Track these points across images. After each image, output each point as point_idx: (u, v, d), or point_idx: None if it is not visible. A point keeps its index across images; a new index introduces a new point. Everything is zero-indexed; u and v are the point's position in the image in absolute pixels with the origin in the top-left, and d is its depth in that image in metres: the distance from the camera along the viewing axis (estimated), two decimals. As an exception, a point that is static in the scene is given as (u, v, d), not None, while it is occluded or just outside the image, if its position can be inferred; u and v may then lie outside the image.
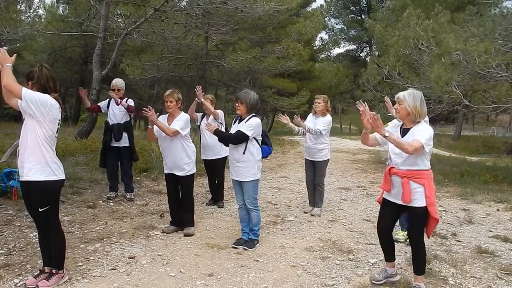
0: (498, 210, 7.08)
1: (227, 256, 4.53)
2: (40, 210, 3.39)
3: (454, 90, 9.24)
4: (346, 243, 5.13)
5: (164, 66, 17.52)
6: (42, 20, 16.25)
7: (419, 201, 3.56)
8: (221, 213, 6.30)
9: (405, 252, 4.85)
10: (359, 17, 44.00)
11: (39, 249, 4.37)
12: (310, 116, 6.48)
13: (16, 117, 25.98)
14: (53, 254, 3.63)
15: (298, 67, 19.22)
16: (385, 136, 3.44)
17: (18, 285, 3.60)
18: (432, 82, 9.93)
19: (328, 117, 6.31)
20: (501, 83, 9.07)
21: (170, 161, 5.16)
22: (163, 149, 5.23)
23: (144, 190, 7.41)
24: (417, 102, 3.53)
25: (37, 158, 3.36)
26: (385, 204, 3.85)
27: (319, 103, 6.24)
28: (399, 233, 5.27)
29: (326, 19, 38.64)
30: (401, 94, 3.63)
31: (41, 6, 16.98)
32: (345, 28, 45.11)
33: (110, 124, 6.51)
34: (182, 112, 5.25)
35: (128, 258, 4.34)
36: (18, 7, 14.75)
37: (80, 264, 4.09)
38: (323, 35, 43.97)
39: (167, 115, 5.25)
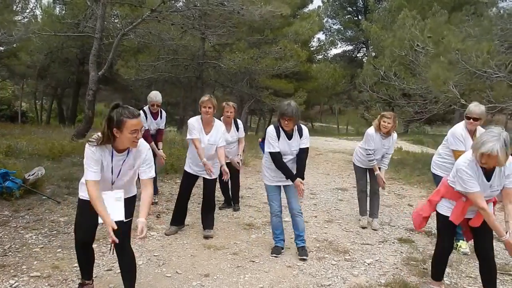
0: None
1: (223, 257, 4.53)
2: (125, 221, 3.17)
3: (451, 89, 9.26)
4: (342, 244, 5.14)
5: (161, 67, 17.50)
6: (39, 20, 16.21)
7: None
8: (217, 214, 6.27)
9: (401, 252, 4.86)
10: (356, 18, 44.01)
11: (35, 250, 4.40)
12: (374, 135, 5.63)
13: (12, 118, 25.92)
14: (129, 279, 3.34)
15: (295, 68, 19.22)
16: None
17: (13, 286, 3.58)
18: (430, 81, 9.93)
19: (395, 136, 5.79)
20: (498, 83, 9.08)
21: (200, 166, 5.08)
22: (193, 153, 5.11)
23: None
24: (509, 150, 3.11)
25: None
26: (451, 225, 3.59)
27: (389, 123, 5.48)
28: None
29: (323, 19, 38.61)
30: (494, 150, 3.06)
31: (38, 7, 16.91)
32: (342, 28, 45.09)
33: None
34: (216, 120, 5.20)
35: (124, 258, 4.33)
36: (14, 7, 14.69)
37: (76, 265, 4.04)
38: (320, 35, 43.97)
39: (199, 118, 5.11)
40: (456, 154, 4.58)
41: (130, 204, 3.32)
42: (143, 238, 2.96)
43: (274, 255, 4.64)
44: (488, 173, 3.32)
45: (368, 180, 6.05)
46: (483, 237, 3.53)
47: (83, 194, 3.19)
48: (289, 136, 4.55)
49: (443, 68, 9.39)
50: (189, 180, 5.29)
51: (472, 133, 4.67)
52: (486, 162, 3.17)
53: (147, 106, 6.38)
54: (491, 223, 3.36)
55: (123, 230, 3.11)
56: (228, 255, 4.61)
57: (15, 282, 3.64)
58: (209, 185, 5.24)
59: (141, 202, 3.10)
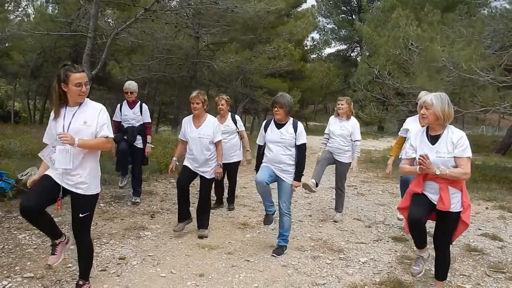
0: (487, 208, 7.16)
1: (218, 256, 4.53)
2: (81, 215, 3.32)
3: None
4: (336, 242, 5.15)
5: (154, 67, 17.44)
6: (31, 19, 16.10)
7: (455, 207, 3.45)
8: (212, 214, 6.25)
9: (395, 251, 4.88)
10: (350, 17, 44.14)
11: (28, 250, 4.38)
12: (332, 118, 6.22)
13: (5, 118, 25.73)
14: (85, 263, 3.52)
15: (289, 67, 19.24)
16: (436, 174, 3.37)
17: (6, 287, 3.56)
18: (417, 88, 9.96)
19: (355, 122, 6.09)
20: (486, 86, 9.11)
21: (198, 163, 5.08)
22: (191, 151, 5.11)
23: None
24: (445, 105, 3.38)
25: (96, 173, 3.40)
26: (418, 197, 3.61)
27: (342, 104, 5.99)
28: None
29: (317, 19, 38.67)
30: (428, 99, 3.43)
31: (30, 6, 16.82)
32: (336, 28, 45.21)
33: (125, 127, 6.38)
34: (208, 115, 5.18)
35: (119, 259, 4.31)
36: (6, 6, 14.58)
37: (70, 265, 4.05)
38: (314, 35, 43.99)
39: (191, 116, 5.19)
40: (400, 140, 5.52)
41: (89, 201, 3.37)
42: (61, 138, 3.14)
43: (273, 254, 4.63)
44: (433, 138, 3.50)
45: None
46: (440, 229, 3.62)
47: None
48: (279, 126, 4.63)
49: (430, 77, 9.42)
50: (186, 173, 5.17)
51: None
52: (425, 114, 3.44)
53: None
54: (408, 171, 3.66)
55: (80, 222, 3.36)
56: (223, 254, 4.60)
57: (8, 283, 3.62)
58: (205, 184, 5.21)
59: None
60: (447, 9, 13.84)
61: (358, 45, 44.20)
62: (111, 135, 3.36)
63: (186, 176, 5.20)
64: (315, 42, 40.30)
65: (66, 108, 3.30)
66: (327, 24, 45.56)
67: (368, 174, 10.87)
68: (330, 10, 44.89)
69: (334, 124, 6.14)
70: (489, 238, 5.48)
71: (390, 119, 16.44)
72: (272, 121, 4.73)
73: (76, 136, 3.18)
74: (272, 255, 4.59)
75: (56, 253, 3.50)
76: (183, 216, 5.27)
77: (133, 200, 6.58)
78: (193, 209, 5.44)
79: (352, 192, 8.32)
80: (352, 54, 46.45)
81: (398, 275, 4.14)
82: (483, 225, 6.13)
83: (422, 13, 11.99)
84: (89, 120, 3.26)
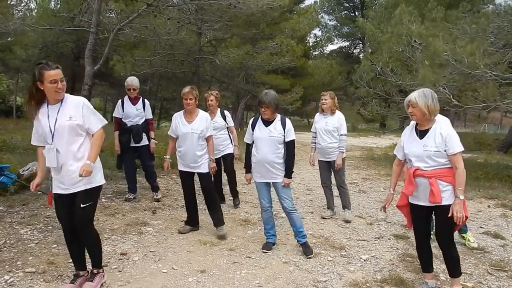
0: (489, 206, 7.13)
1: (220, 253, 4.53)
2: (83, 205, 3.33)
3: (441, 91, 9.25)
4: (338, 240, 5.14)
5: (156, 62, 17.37)
6: (34, 14, 16.07)
7: (448, 200, 3.46)
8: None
9: (397, 249, 4.88)
10: (353, 14, 44.06)
11: (30, 245, 4.38)
12: (317, 115, 6.18)
13: (7, 112, 25.75)
14: (93, 253, 3.57)
15: (291, 64, 19.19)
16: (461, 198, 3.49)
17: (8, 281, 3.56)
18: (419, 84, 9.91)
19: (340, 115, 6.02)
20: (489, 82, 9.07)
21: (189, 160, 5.03)
22: (181, 148, 5.07)
23: (137, 187, 7.35)
24: (428, 101, 3.41)
25: (96, 165, 3.37)
26: (413, 209, 3.68)
27: (326, 99, 5.94)
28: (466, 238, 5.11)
29: (319, 16, 38.62)
30: (412, 97, 3.47)
31: (33, 0, 16.79)
32: (338, 25, 45.14)
33: (128, 125, 6.27)
34: (201, 110, 5.15)
35: (120, 254, 4.32)
36: (9, 1, 14.56)
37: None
38: (317, 31, 43.86)
39: (182, 112, 5.14)
40: None
41: (91, 193, 3.39)
42: (82, 175, 3.21)
43: (265, 250, 4.64)
44: (422, 133, 3.55)
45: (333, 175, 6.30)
46: (438, 224, 3.63)
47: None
48: (267, 123, 4.59)
49: (433, 71, 9.37)
50: (184, 178, 5.19)
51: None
52: (412, 112, 3.50)
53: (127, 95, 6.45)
54: (393, 179, 3.98)
55: (83, 212, 3.35)
56: (224, 251, 4.60)
57: (10, 278, 3.63)
58: (203, 179, 5.13)
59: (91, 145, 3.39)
60: (451, 6, 13.78)
61: (360, 42, 44.11)
62: (102, 122, 3.42)
63: (186, 180, 5.19)
64: (317, 39, 40.24)
65: (48, 106, 3.30)
66: (330, 21, 45.59)
67: (370, 171, 10.85)
68: (333, 7, 44.84)
69: (319, 122, 6.10)
70: (491, 236, 5.46)
71: (392, 116, 16.39)
72: (260, 118, 4.67)
73: (63, 132, 3.25)
74: (308, 258, 4.48)
75: (75, 282, 3.51)
76: (191, 222, 5.28)
77: (154, 197, 6.57)
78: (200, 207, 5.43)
79: (353, 189, 8.31)
80: (354, 51, 46.41)
81: (399, 273, 4.13)
82: (485, 223, 6.11)
83: (425, 9, 11.93)
84: (73, 114, 3.29)
